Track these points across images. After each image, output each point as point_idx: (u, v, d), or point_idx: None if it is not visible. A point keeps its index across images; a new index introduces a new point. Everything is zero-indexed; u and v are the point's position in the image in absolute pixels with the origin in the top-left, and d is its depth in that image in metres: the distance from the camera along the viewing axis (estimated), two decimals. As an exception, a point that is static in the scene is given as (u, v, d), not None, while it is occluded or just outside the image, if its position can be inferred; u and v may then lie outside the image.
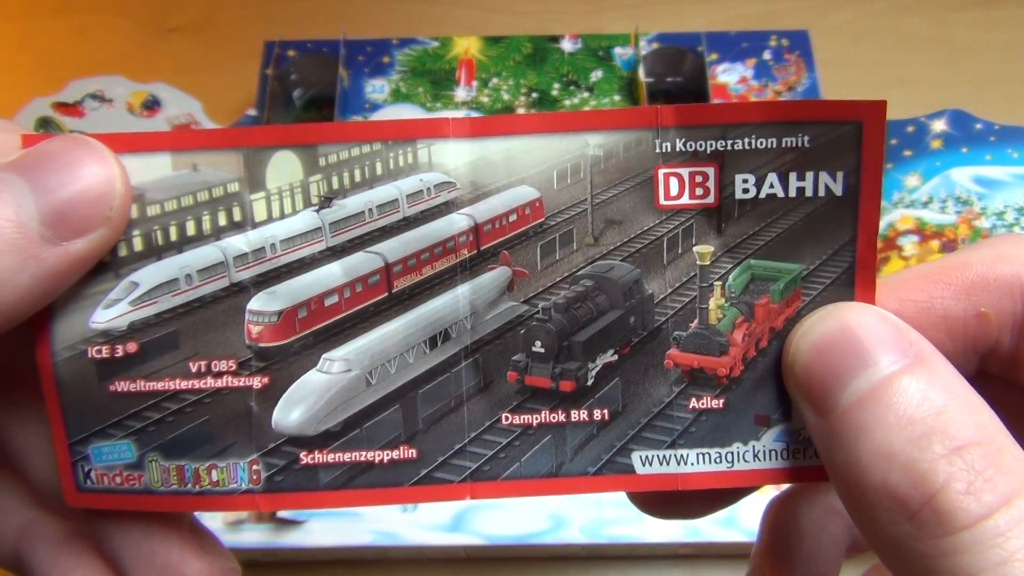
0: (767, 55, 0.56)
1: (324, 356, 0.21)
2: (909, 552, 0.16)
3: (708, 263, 0.22)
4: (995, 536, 0.15)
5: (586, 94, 0.56)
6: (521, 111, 0.54)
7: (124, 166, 0.18)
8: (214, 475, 0.20)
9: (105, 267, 0.19)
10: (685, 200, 0.20)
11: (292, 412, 0.20)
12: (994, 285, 0.18)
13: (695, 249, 0.22)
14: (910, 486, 0.16)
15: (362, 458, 0.20)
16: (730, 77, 0.56)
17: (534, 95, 0.55)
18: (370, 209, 0.22)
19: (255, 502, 0.20)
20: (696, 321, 0.22)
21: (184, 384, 0.20)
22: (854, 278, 0.20)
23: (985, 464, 0.15)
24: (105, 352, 0.19)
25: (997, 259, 0.18)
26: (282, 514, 0.45)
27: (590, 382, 0.22)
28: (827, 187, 0.20)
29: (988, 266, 0.18)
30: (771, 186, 0.20)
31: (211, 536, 0.23)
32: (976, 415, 0.16)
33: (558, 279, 0.22)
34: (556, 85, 0.56)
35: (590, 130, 0.20)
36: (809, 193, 0.20)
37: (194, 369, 0.20)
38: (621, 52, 0.57)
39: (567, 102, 0.55)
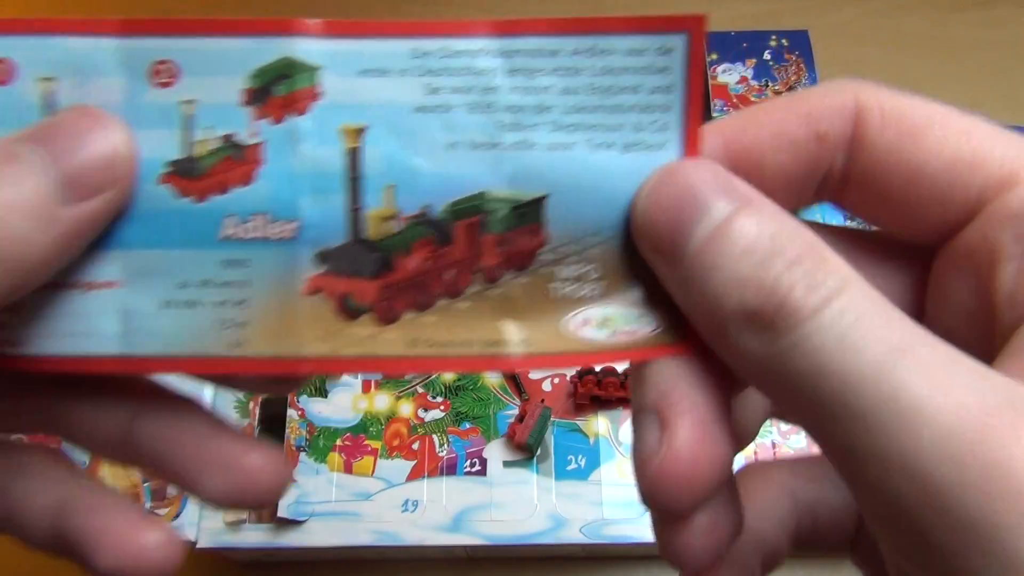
0: (767, 55, 0.56)
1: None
2: (773, 359, 0.17)
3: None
4: (835, 317, 0.17)
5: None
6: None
7: (129, 128, 0.19)
8: None
9: None
10: None
11: None
12: (830, 111, 0.20)
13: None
14: (763, 299, 0.17)
15: None
16: (730, 77, 0.55)
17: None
18: None
19: None
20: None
21: None
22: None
23: (815, 267, 0.17)
24: None
25: (831, 90, 0.20)
26: (282, 514, 0.45)
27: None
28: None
29: (824, 95, 0.20)
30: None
31: (250, 436, 0.24)
32: (801, 234, 0.18)
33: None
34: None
35: None
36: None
37: None
38: (621, 52, 0.57)
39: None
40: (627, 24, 0.20)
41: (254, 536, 0.46)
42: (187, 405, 0.23)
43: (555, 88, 0.20)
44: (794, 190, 0.21)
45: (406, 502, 0.46)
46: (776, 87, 0.55)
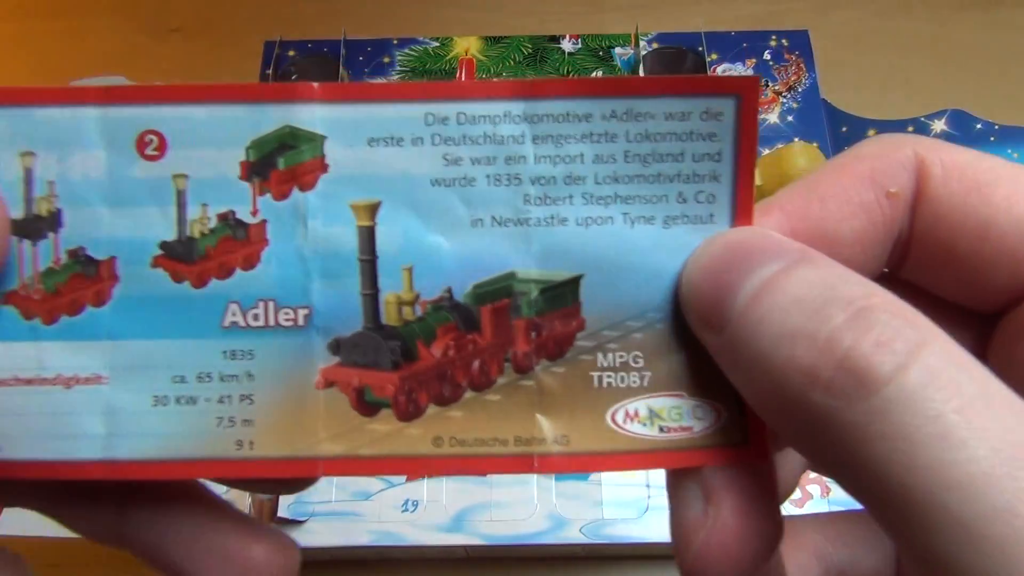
0: (767, 55, 0.56)
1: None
2: (833, 428, 0.15)
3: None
4: (921, 387, 0.14)
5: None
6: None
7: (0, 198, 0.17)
8: None
9: None
10: None
11: None
12: (893, 167, 0.18)
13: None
14: (817, 354, 0.15)
15: None
16: (730, 77, 0.55)
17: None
18: None
19: None
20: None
21: None
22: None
23: (887, 317, 0.15)
24: None
25: (887, 146, 0.19)
26: (282, 514, 0.45)
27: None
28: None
29: (882, 153, 0.18)
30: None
31: (254, 519, 0.22)
32: (867, 285, 0.16)
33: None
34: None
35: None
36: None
37: None
38: (621, 52, 0.57)
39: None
40: (668, 85, 0.18)
41: (254, 536, 0.47)
42: (182, 488, 0.21)
43: (587, 156, 0.18)
44: (870, 257, 0.19)
45: (406, 502, 0.46)
46: (776, 87, 0.55)
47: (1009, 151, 0.50)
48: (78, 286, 0.18)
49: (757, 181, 0.47)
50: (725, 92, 0.17)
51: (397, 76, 0.55)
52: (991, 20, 0.58)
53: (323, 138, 0.18)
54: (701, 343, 0.18)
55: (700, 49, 0.54)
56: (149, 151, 0.18)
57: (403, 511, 0.45)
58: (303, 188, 0.18)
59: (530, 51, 0.56)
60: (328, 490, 0.46)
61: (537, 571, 0.47)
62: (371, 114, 0.18)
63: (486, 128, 0.18)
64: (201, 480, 0.21)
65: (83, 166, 0.18)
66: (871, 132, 0.51)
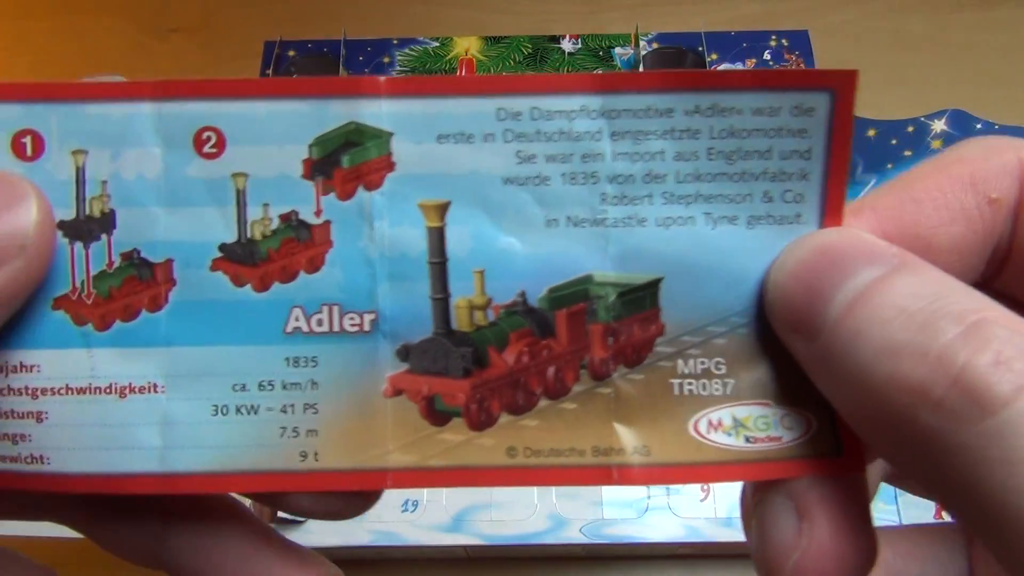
0: (767, 55, 0.56)
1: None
2: (944, 450, 0.14)
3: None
4: None
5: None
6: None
7: (44, 196, 0.17)
8: None
9: None
10: None
11: None
12: (995, 173, 0.17)
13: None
14: (927, 371, 0.14)
15: None
16: (730, 77, 0.55)
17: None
18: None
19: None
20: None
21: None
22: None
23: (1007, 332, 0.14)
24: None
25: (988, 149, 0.17)
26: (282, 514, 0.45)
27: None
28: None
29: (983, 156, 0.17)
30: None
31: (298, 545, 0.21)
32: (975, 296, 0.15)
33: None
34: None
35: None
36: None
37: None
38: (621, 52, 0.57)
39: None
40: (757, 79, 0.17)
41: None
42: (227, 510, 0.20)
43: (668, 153, 0.17)
44: (967, 266, 0.17)
45: (406, 502, 0.46)
46: (776, 87, 0.55)
47: (1009, 151, 0.50)
48: (133, 290, 0.17)
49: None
50: (820, 86, 0.16)
51: (397, 75, 0.55)
52: (991, 20, 0.58)
53: (390, 135, 0.17)
54: (788, 351, 0.17)
55: (700, 49, 0.54)
56: (207, 149, 0.17)
57: (403, 511, 0.45)
58: (369, 187, 0.17)
59: (530, 51, 0.55)
60: (328, 490, 0.46)
61: (537, 571, 0.47)
62: (440, 109, 0.17)
63: (561, 124, 0.17)
64: (242, 499, 0.20)
65: (137, 164, 0.17)
66: (871, 132, 0.51)
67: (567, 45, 0.56)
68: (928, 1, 0.59)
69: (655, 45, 0.55)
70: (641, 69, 0.53)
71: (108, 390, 0.18)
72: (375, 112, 0.17)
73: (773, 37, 0.55)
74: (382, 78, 0.17)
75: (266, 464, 0.17)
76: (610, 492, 0.46)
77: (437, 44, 0.56)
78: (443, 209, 0.17)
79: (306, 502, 0.19)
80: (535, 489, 0.47)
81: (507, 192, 0.17)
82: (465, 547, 0.45)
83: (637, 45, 0.54)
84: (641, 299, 0.18)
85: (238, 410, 0.17)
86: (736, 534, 0.42)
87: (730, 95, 0.17)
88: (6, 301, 0.17)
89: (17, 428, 0.18)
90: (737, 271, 0.17)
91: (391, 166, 0.17)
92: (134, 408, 0.17)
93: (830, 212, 0.17)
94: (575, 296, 0.18)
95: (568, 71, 0.55)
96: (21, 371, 0.18)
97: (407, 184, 0.17)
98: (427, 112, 0.17)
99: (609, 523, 0.44)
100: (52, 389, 0.18)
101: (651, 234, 0.17)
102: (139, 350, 0.18)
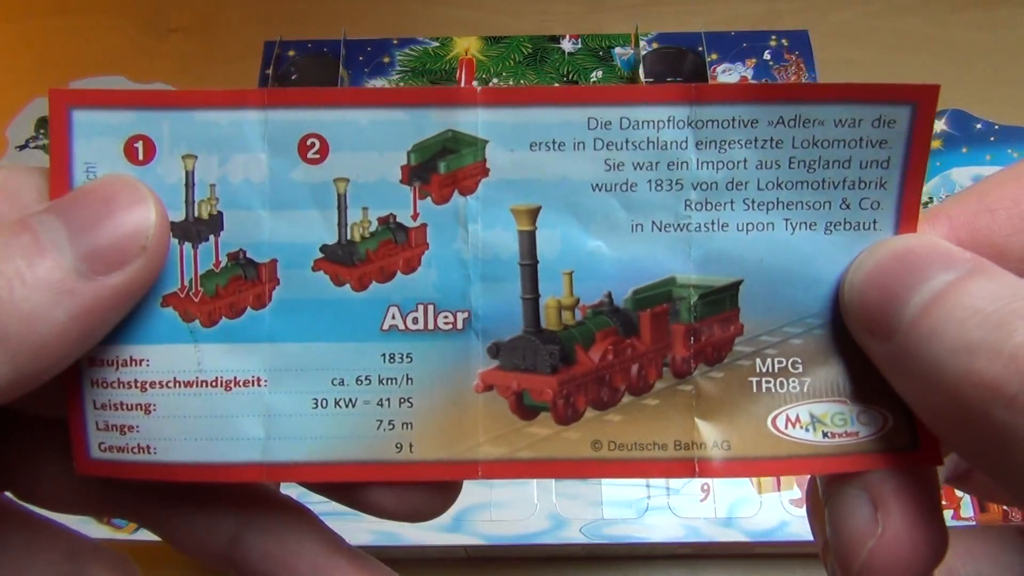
0: (767, 55, 0.56)
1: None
2: (1014, 446, 0.14)
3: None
4: None
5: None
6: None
7: (160, 199, 0.18)
8: None
9: None
10: None
11: None
12: None
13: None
14: (1002, 369, 0.14)
15: None
16: (730, 77, 0.55)
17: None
18: None
19: None
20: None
21: None
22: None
23: None
24: None
25: None
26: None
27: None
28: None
29: None
30: None
31: (366, 555, 0.22)
32: None
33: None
34: (556, 85, 0.56)
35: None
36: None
37: None
38: (621, 52, 0.57)
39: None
40: (842, 92, 0.17)
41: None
42: (299, 516, 0.21)
43: (751, 162, 0.18)
44: None
45: (406, 502, 0.46)
46: (776, 87, 0.55)
47: (1009, 151, 0.50)
48: (238, 288, 0.18)
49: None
50: (902, 100, 0.17)
51: (397, 76, 0.55)
52: (991, 20, 0.58)
53: (485, 142, 0.18)
54: (862, 351, 0.18)
55: (700, 49, 0.54)
56: (311, 155, 0.18)
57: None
58: (464, 192, 0.18)
59: (530, 51, 0.55)
60: (328, 490, 0.46)
61: (537, 571, 0.47)
62: (533, 118, 0.18)
63: (649, 133, 0.18)
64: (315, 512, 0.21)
65: (244, 169, 0.18)
66: (871, 132, 0.51)
67: (567, 45, 0.56)
68: (928, 1, 0.59)
69: (655, 45, 0.55)
70: (641, 69, 0.53)
71: (214, 383, 0.18)
72: (471, 121, 0.18)
73: (773, 37, 0.55)
74: (479, 88, 0.18)
75: (363, 455, 0.18)
76: (610, 492, 0.46)
77: (437, 44, 0.56)
78: (534, 213, 0.18)
79: (389, 502, 0.19)
80: (535, 489, 0.47)
81: (596, 198, 0.18)
82: (465, 547, 0.45)
83: (637, 45, 0.54)
84: (721, 301, 0.18)
85: (337, 403, 0.18)
86: (736, 534, 0.42)
87: (814, 107, 0.17)
88: (127, 299, 0.18)
89: (126, 420, 0.18)
90: (814, 275, 0.18)
91: (485, 172, 0.18)
92: (238, 400, 0.18)
93: (906, 219, 0.18)
94: (659, 297, 0.18)
95: (568, 71, 0.55)
96: (131, 365, 0.18)
97: (500, 189, 0.18)
98: (520, 121, 0.18)
99: (609, 523, 0.44)
100: (160, 383, 0.18)
101: (732, 239, 0.18)
102: (244, 345, 0.18)
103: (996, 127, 0.51)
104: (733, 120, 0.18)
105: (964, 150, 0.51)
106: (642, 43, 0.55)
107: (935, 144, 0.51)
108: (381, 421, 0.18)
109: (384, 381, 0.18)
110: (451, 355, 0.18)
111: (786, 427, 0.18)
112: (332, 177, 0.18)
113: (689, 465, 0.18)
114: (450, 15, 0.60)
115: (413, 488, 0.19)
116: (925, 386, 0.16)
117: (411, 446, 0.18)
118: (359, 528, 0.44)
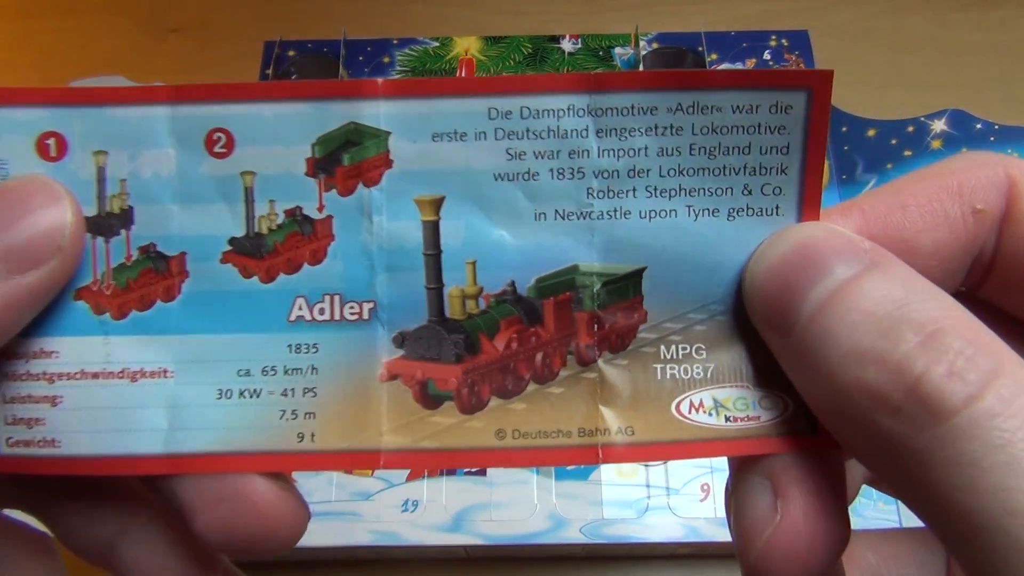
0: (767, 55, 0.56)
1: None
2: (902, 452, 0.15)
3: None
4: (990, 417, 0.14)
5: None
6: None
7: (74, 198, 0.18)
8: None
9: None
10: None
11: None
12: (982, 184, 0.18)
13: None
14: (887, 378, 0.15)
15: None
16: (730, 77, 0.55)
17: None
18: None
19: None
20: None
21: None
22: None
23: (961, 343, 0.15)
24: None
25: (976, 162, 0.18)
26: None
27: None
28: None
29: (972, 168, 0.18)
30: None
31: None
32: (940, 301, 0.15)
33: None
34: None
35: None
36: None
37: None
38: (621, 52, 0.57)
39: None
40: (737, 79, 0.17)
41: (254, 536, 0.47)
42: (176, 529, 0.20)
43: (651, 149, 0.18)
44: (947, 273, 0.18)
45: (406, 502, 0.46)
46: (776, 87, 0.55)
47: (1009, 151, 0.50)
48: (149, 281, 0.19)
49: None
50: (797, 86, 0.17)
51: (397, 76, 0.55)
52: (991, 20, 0.58)
53: (387, 134, 0.18)
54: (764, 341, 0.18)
55: (700, 49, 0.54)
56: (217, 149, 0.18)
57: (403, 511, 0.45)
58: (368, 184, 0.18)
59: (530, 51, 0.55)
60: (328, 490, 0.46)
61: (537, 571, 0.47)
62: (435, 109, 0.18)
63: (550, 122, 0.18)
64: None
65: (154, 164, 0.18)
66: (871, 132, 0.51)
67: (567, 45, 0.56)
68: (929, 1, 0.59)
69: (655, 45, 0.55)
70: (641, 69, 0.53)
71: (120, 374, 0.19)
72: (373, 113, 0.18)
73: (773, 37, 0.55)
74: (380, 80, 0.18)
75: (266, 445, 0.18)
76: (610, 492, 0.46)
77: (437, 44, 0.56)
78: (438, 204, 0.18)
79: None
80: (535, 489, 0.47)
81: (498, 187, 0.18)
82: (465, 547, 0.45)
83: (637, 45, 0.54)
84: (625, 288, 0.19)
85: (241, 394, 0.19)
86: (736, 534, 0.42)
87: (712, 94, 0.18)
88: (43, 297, 0.18)
89: (33, 412, 0.19)
90: (717, 261, 0.18)
91: (389, 164, 0.18)
92: (143, 391, 0.19)
93: (808, 205, 0.18)
94: (562, 285, 0.18)
95: (568, 71, 0.55)
96: (41, 357, 0.19)
97: (404, 180, 0.18)
98: (422, 112, 0.18)
99: (609, 523, 0.44)
100: (68, 374, 0.19)
101: (635, 226, 0.18)
102: (153, 338, 0.19)
103: (996, 127, 0.51)
104: (633, 107, 0.18)
105: (964, 150, 0.51)
106: (642, 43, 0.55)
107: (935, 144, 0.51)
108: (285, 411, 0.18)
109: (289, 371, 0.18)
110: (357, 345, 0.18)
111: (690, 412, 0.18)
112: (239, 170, 0.18)
113: (593, 451, 0.18)
114: (450, 15, 0.60)
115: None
116: (819, 387, 0.16)
117: (313, 436, 0.18)
118: (359, 528, 0.45)
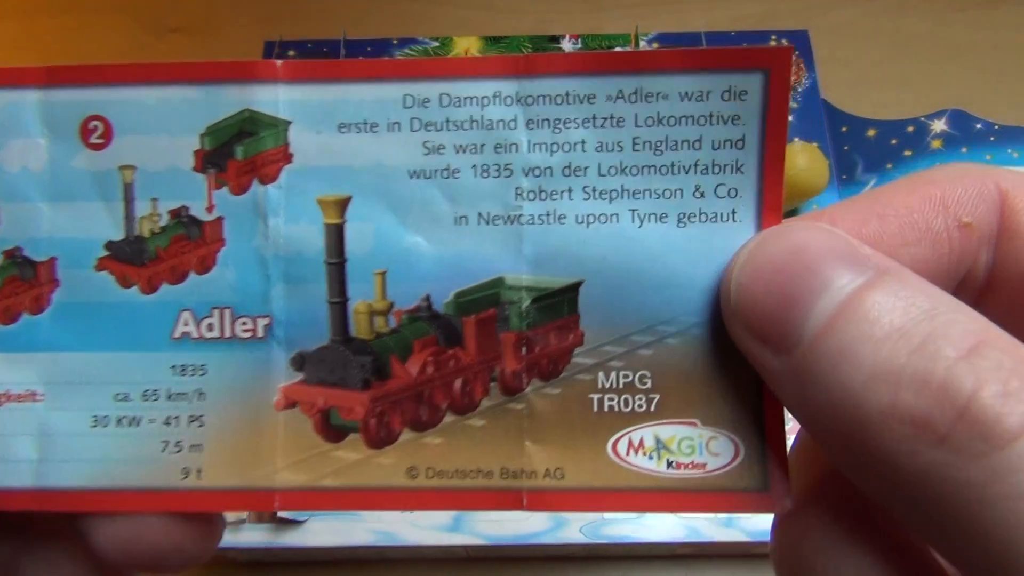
0: (767, 55, 0.56)
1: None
2: (946, 486, 0.12)
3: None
4: None
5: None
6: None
7: None
8: None
9: None
10: None
11: None
12: (970, 197, 0.16)
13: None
14: (930, 402, 0.12)
15: None
16: (730, 77, 0.55)
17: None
18: None
19: None
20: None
21: None
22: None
23: (1011, 360, 0.12)
24: None
25: (962, 174, 0.16)
26: (282, 514, 0.45)
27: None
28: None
29: (957, 180, 0.16)
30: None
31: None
32: (969, 312, 0.13)
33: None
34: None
35: None
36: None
37: None
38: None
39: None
40: (684, 60, 0.15)
41: (254, 536, 0.46)
42: (76, 545, 0.18)
43: (589, 143, 0.16)
44: None
45: (406, 502, 0.46)
46: (776, 87, 0.55)
47: (1009, 151, 0.50)
48: (14, 291, 0.16)
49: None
50: (751, 67, 0.15)
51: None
52: (991, 19, 0.58)
53: (287, 123, 0.16)
54: (723, 366, 0.16)
55: (700, 49, 0.54)
56: (94, 139, 0.16)
57: (403, 511, 0.45)
58: (264, 181, 0.16)
59: (530, 51, 0.55)
60: (328, 490, 0.46)
61: (537, 571, 0.47)
62: (342, 95, 0.16)
63: (473, 111, 0.16)
64: None
65: (21, 156, 0.16)
66: (871, 132, 0.51)
67: (567, 45, 0.56)
68: (929, 1, 0.59)
69: (655, 45, 0.55)
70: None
71: None
72: (271, 99, 0.16)
73: (773, 37, 0.55)
74: (279, 62, 0.16)
75: (146, 481, 0.16)
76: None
77: (437, 44, 0.56)
78: (343, 204, 0.16)
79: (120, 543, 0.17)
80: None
81: (413, 186, 0.16)
82: (465, 547, 0.45)
83: (637, 45, 0.54)
84: (558, 304, 0.16)
85: (119, 421, 0.16)
86: (736, 534, 0.42)
87: (656, 78, 0.15)
88: None
89: None
90: (666, 274, 0.16)
91: (288, 157, 0.16)
92: (11, 417, 0.16)
93: (768, 210, 0.16)
94: (485, 301, 0.16)
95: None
96: None
97: (305, 177, 0.16)
98: (327, 99, 0.16)
99: (608, 523, 0.44)
100: None
101: (570, 233, 0.16)
102: (18, 355, 0.16)
103: (996, 127, 0.51)
104: (567, 95, 0.15)
105: (964, 150, 0.51)
106: (642, 43, 0.54)
107: (935, 144, 0.51)
108: (167, 442, 0.16)
109: (173, 396, 0.16)
110: (249, 367, 0.16)
111: (628, 453, 0.16)
112: (117, 164, 0.16)
113: (516, 496, 0.16)
114: (450, 15, 0.60)
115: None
116: (832, 415, 0.14)
117: (199, 472, 0.16)
118: (360, 528, 0.44)
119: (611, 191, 0.16)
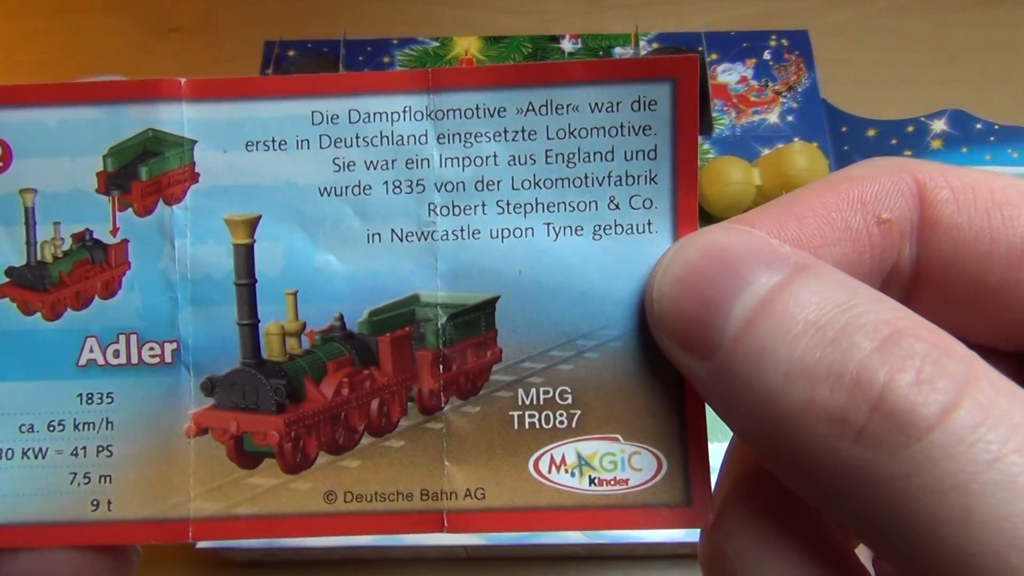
0: (767, 55, 0.56)
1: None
2: (868, 483, 0.12)
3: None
4: (971, 428, 0.12)
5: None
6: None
7: None
8: None
9: None
10: None
11: None
12: (887, 193, 0.16)
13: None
14: (845, 395, 0.12)
15: None
16: (730, 77, 0.55)
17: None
18: None
19: None
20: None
21: None
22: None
23: (925, 347, 0.12)
24: None
25: (878, 170, 0.16)
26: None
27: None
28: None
29: (873, 177, 0.16)
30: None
31: None
32: (887, 302, 0.13)
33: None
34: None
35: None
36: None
37: None
38: (621, 52, 0.57)
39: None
40: (592, 71, 0.15)
41: (254, 536, 0.46)
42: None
43: (501, 157, 0.16)
44: None
45: (406, 502, 0.46)
46: (776, 87, 0.55)
47: (1009, 151, 0.50)
48: None
49: (756, 181, 0.47)
50: (658, 76, 0.15)
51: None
52: (991, 19, 0.58)
53: (192, 142, 0.16)
54: (645, 379, 0.16)
55: (700, 49, 0.54)
56: None
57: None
58: (169, 201, 0.16)
59: (530, 51, 0.55)
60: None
61: (537, 571, 0.47)
62: (249, 113, 0.15)
63: (383, 126, 0.16)
64: None
65: None
66: (871, 132, 0.51)
67: (567, 45, 0.56)
68: (929, 1, 0.59)
69: (655, 45, 0.55)
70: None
71: None
72: (176, 118, 0.16)
73: (773, 37, 0.55)
74: (183, 80, 0.16)
75: (53, 515, 0.16)
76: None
77: (437, 44, 0.56)
78: (252, 224, 0.16)
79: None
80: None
81: (324, 204, 0.16)
82: (465, 547, 0.45)
83: (637, 45, 0.54)
84: (475, 321, 0.16)
85: (24, 454, 0.16)
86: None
87: (565, 90, 0.15)
88: None
89: None
90: (584, 288, 0.16)
91: (194, 177, 0.16)
92: None
93: (683, 219, 0.16)
94: (399, 319, 0.16)
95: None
96: None
97: (212, 197, 0.16)
98: (233, 117, 0.15)
99: (609, 523, 0.44)
100: None
101: (485, 248, 0.16)
102: None
103: (996, 127, 0.51)
104: (477, 109, 0.15)
105: (964, 150, 0.51)
106: (642, 43, 0.54)
107: (935, 144, 0.51)
108: (76, 474, 0.16)
109: (80, 426, 0.16)
110: (158, 393, 0.16)
111: (549, 471, 0.16)
112: (17, 188, 0.16)
113: (437, 518, 0.16)
114: (450, 15, 0.60)
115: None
116: (755, 415, 0.13)
117: (109, 503, 0.16)
118: (359, 528, 0.44)
119: (525, 204, 0.16)
